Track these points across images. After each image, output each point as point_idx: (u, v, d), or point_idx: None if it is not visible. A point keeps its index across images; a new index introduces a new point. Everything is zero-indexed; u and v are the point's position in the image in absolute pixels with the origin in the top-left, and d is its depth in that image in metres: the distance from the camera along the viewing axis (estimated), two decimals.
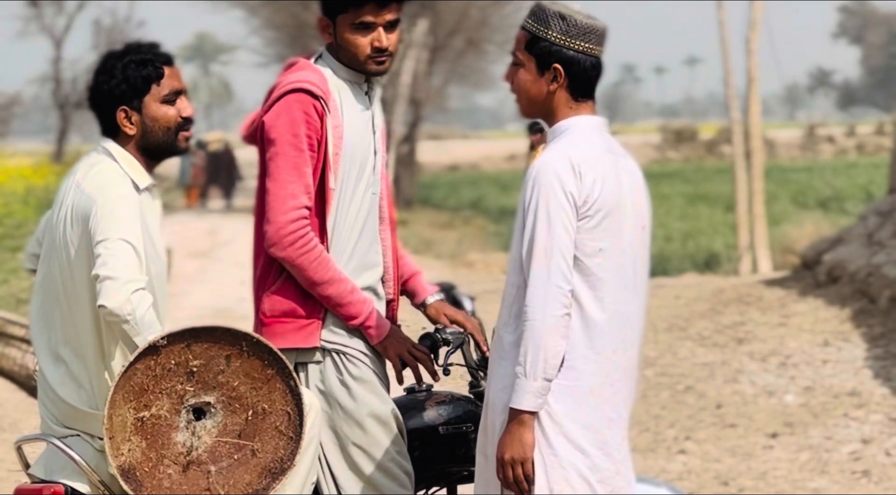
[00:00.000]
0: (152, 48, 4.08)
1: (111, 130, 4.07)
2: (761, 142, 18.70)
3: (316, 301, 4.10)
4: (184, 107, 4.09)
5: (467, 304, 4.52)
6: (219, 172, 36.07)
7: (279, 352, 3.71)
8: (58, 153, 44.00)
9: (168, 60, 4.08)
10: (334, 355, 4.14)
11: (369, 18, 4.11)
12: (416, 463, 4.23)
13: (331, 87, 4.14)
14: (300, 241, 4.05)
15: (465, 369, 4.39)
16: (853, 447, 7.91)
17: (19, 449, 4.12)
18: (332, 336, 4.14)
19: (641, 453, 7.92)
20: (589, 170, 3.67)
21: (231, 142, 37.79)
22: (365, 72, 4.19)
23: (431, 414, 4.32)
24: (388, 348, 4.18)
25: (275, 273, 4.13)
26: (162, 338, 3.61)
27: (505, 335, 3.75)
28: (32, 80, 52.62)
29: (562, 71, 3.75)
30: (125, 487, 3.61)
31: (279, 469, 3.72)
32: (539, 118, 3.88)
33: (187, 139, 4.15)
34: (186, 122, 4.10)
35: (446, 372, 4.23)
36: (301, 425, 3.72)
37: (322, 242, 4.11)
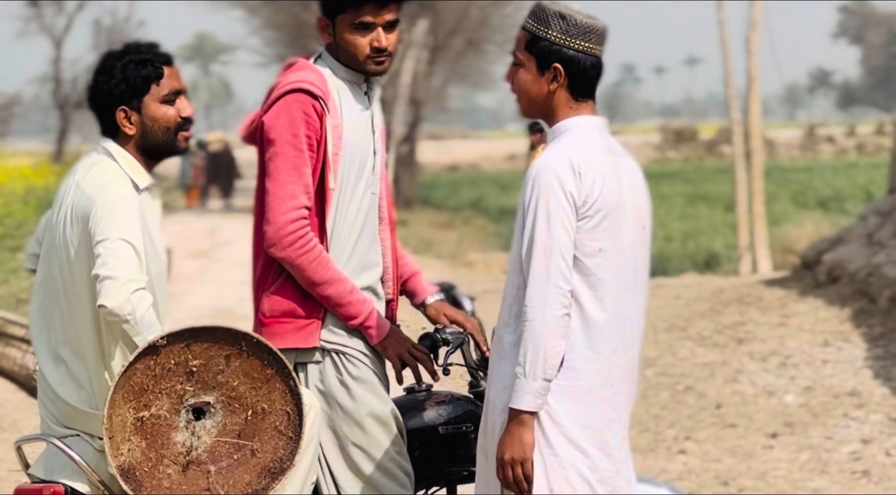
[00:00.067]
0: (152, 48, 4.08)
1: (111, 130, 4.07)
2: (761, 142, 18.69)
3: (315, 301, 4.10)
4: (183, 107, 4.09)
5: (467, 304, 4.52)
6: (218, 172, 36.08)
7: (279, 352, 3.71)
8: (58, 153, 44.00)
9: (168, 60, 4.08)
10: (334, 355, 4.14)
11: (368, 19, 4.11)
12: (416, 463, 4.23)
13: (330, 87, 4.14)
14: (300, 242, 4.05)
15: (464, 369, 4.39)
16: (853, 447, 7.91)
17: (19, 449, 4.12)
18: (332, 336, 4.14)
19: (641, 453, 7.92)
20: (589, 170, 3.67)
21: (230, 142, 37.80)
22: (364, 72, 4.19)
23: (431, 414, 4.32)
24: (388, 348, 4.18)
25: (274, 273, 4.13)
26: (162, 338, 3.61)
27: (505, 335, 3.75)
28: (32, 80, 52.66)
29: (562, 70, 3.75)
30: (125, 487, 3.61)
31: (279, 469, 3.72)
32: (539, 118, 3.88)
33: (187, 139, 4.15)
34: (186, 122, 4.10)
35: (446, 373, 4.23)
36: (301, 425, 3.72)
37: (321, 242, 4.11)
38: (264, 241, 4.09)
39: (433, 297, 4.42)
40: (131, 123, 4.04)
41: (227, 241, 23.11)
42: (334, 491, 4.13)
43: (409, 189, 32.62)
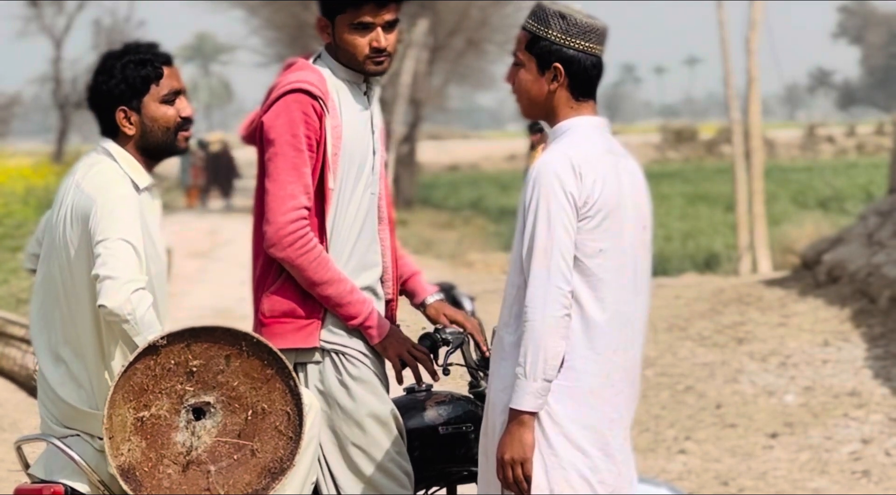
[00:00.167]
0: (151, 48, 4.08)
1: (111, 130, 4.07)
2: (761, 142, 18.69)
3: (315, 301, 4.10)
4: (183, 107, 4.09)
5: (467, 304, 4.52)
6: (218, 172, 36.09)
7: (279, 352, 3.71)
8: (58, 153, 44.01)
9: (167, 60, 4.08)
10: (333, 355, 4.14)
11: (368, 19, 4.11)
12: (416, 463, 4.23)
13: (329, 87, 4.14)
14: (300, 242, 4.05)
15: (464, 369, 4.39)
16: (853, 447, 7.91)
17: (19, 449, 4.12)
18: (332, 336, 4.14)
19: (641, 453, 7.92)
20: (589, 170, 3.66)
21: (229, 142, 37.80)
22: (363, 72, 4.19)
23: (431, 414, 4.32)
24: (388, 348, 4.18)
25: (274, 273, 4.13)
26: (162, 338, 3.61)
27: (505, 335, 3.75)
28: (32, 80, 52.67)
29: (562, 70, 3.75)
30: (125, 487, 3.61)
31: (279, 469, 3.72)
32: (540, 118, 3.88)
33: (187, 139, 4.15)
34: (186, 122, 4.10)
35: (446, 372, 4.23)
36: (301, 425, 3.72)
37: (321, 242, 4.11)
38: (264, 241, 4.09)
39: (433, 297, 4.42)
40: (131, 123, 4.04)
41: (227, 241, 23.11)
42: (334, 492, 4.13)
43: (409, 189, 32.63)
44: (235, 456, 3.70)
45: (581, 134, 3.75)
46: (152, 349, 3.61)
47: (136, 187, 4.00)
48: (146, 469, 3.62)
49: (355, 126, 4.19)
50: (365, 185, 4.21)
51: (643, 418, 8.71)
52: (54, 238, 4.02)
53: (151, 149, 4.08)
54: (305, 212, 4.07)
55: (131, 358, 3.60)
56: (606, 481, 3.71)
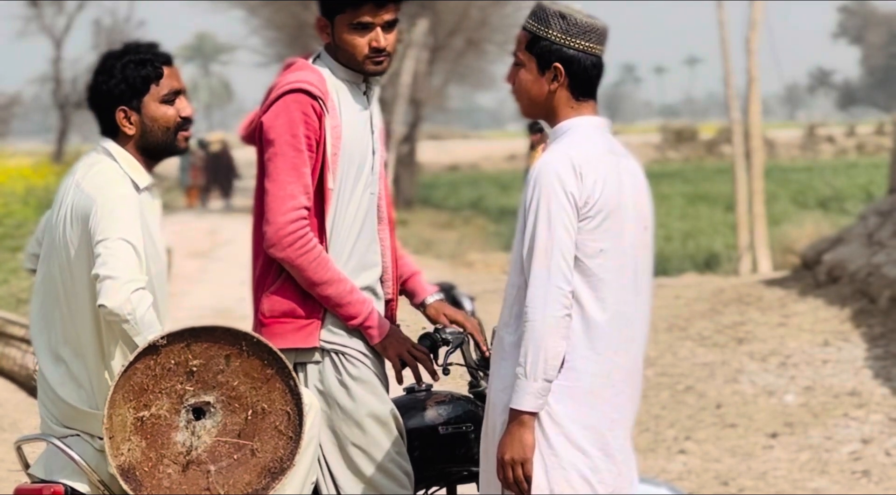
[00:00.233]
0: (151, 48, 4.08)
1: (110, 130, 4.07)
2: (761, 142, 18.70)
3: (315, 301, 4.10)
4: (183, 107, 4.09)
5: (467, 304, 4.52)
6: (218, 172, 36.09)
7: (279, 352, 3.71)
8: (58, 153, 44.01)
9: (167, 60, 4.08)
10: (333, 355, 4.14)
11: (367, 19, 4.11)
12: (416, 463, 4.23)
13: (329, 87, 4.14)
14: (299, 242, 4.05)
15: (464, 369, 4.39)
16: (853, 447, 7.91)
17: (19, 449, 4.12)
18: (332, 336, 4.14)
19: (641, 453, 7.92)
20: (590, 170, 3.66)
21: (229, 142, 37.80)
22: (363, 72, 4.19)
23: (431, 414, 4.32)
24: (388, 348, 4.18)
25: (274, 273, 4.13)
26: (162, 338, 3.61)
27: (506, 336, 3.75)
28: (32, 80, 52.69)
29: (562, 70, 3.75)
30: (125, 487, 3.61)
31: (279, 468, 3.72)
32: (540, 118, 3.88)
33: (187, 139, 4.15)
34: (186, 122, 4.10)
35: (446, 372, 4.22)
36: (301, 425, 3.72)
37: (321, 242, 4.11)
38: (264, 242, 4.09)
39: (433, 297, 4.42)
40: (131, 123, 4.04)
41: (227, 241, 23.11)
42: (334, 492, 4.13)
43: (409, 189, 32.62)
44: (235, 456, 3.70)
45: (582, 134, 3.75)
46: (152, 349, 3.61)
47: (136, 187, 4.00)
48: (146, 468, 3.62)
49: (355, 126, 4.19)
50: (364, 185, 4.21)
51: (643, 418, 8.71)
52: (54, 238, 4.02)
53: (151, 149, 4.08)
54: (305, 213, 4.07)
55: (131, 357, 3.60)
56: (607, 481, 3.71)
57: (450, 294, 4.54)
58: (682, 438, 8.39)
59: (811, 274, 12.29)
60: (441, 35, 33.08)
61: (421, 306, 4.43)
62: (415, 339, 4.25)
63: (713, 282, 14.45)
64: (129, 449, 3.61)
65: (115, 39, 41.84)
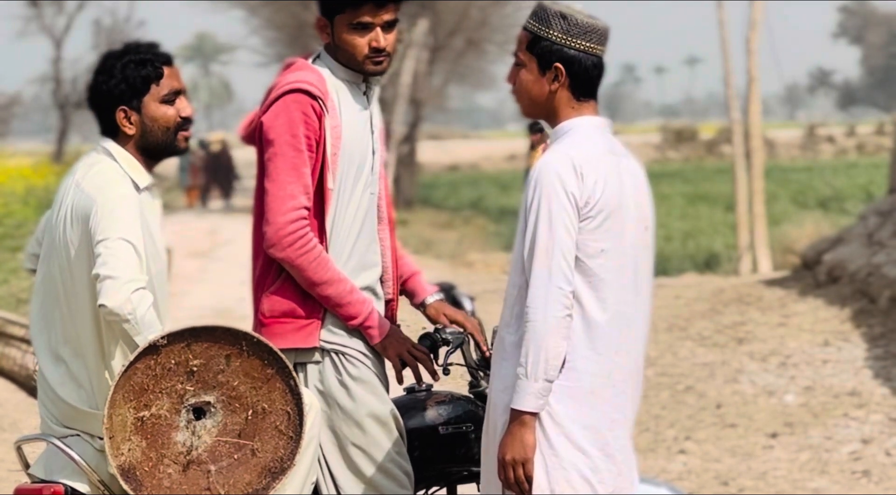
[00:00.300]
0: (151, 48, 4.08)
1: (111, 130, 4.07)
2: (761, 142, 18.70)
3: (315, 301, 4.10)
4: (183, 107, 4.10)
5: (467, 304, 4.52)
6: (217, 172, 36.09)
7: (279, 352, 3.71)
8: (58, 153, 44.01)
9: (167, 60, 4.08)
10: (333, 355, 4.14)
11: (367, 19, 4.11)
12: (416, 463, 4.23)
13: (329, 87, 4.14)
14: (299, 242, 4.05)
15: (465, 369, 4.39)
16: (853, 447, 7.91)
17: (19, 449, 4.12)
18: (332, 336, 4.14)
19: (641, 453, 7.92)
20: (591, 170, 3.66)
21: (228, 142, 37.80)
22: (363, 72, 4.19)
23: (431, 414, 4.32)
24: (388, 348, 4.18)
25: (274, 273, 4.13)
26: (162, 338, 3.61)
27: (506, 336, 3.75)
28: (32, 80, 52.68)
29: (563, 70, 3.75)
30: (125, 487, 3.61)
31: (279, 468, 3.72)
32: (541, 119, 3.88)
33: (187, 139, 4.15)
34: (186, 122, 4.10)
35: (446, 372, 4.22)
36: (301, 424, 3.72)
37: (321, 242, 4.11)
38: (264, 242, 4.09)
39: (433, 297, 4.42)
40: (131, 123, 4.04)
41: (227, 241, 23.11)
42: (334, 492, 4.13)
43: (409, 189, 32.62)
44: (236, 456, 3.70)
45: (583, 134, 3.75)
46: (153, 349, 3.61)
47: (137, 187, 4.00)
48: (146, 468, 3.62)
49: (355, 126, 4.19)
50: (364, 185, 4.21)
51: (643, 418, 8.71)
52: (54, 238, 4.02)
53: (151, 149, 4.08)
54: (305, 213, 4.07)
55: (132, 357, 3.60)
56: (607, 481, 3.71)
57: (450, 294, 4.54)
58: (682, 438, 8.39)
59: (811, 274, 12.29)
60: (441, 35, 33.08)
61: (421, 306, 4.43)
62: (415, 339, 4.25)
63: (713, 282, 14.45)
64: (129, 449, 3.61)
65: (115, 39, 41.84)
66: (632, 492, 3.81)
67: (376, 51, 4.14)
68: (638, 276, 3.77)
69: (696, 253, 21.39)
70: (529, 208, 3.65)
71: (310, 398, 3.99)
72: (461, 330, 4.32)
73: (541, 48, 3.76)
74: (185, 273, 17.43)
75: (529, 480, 3.65)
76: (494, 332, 3.92)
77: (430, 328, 4.34)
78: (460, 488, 4.51)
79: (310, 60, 4.23)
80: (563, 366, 3.64)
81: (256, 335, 3.71)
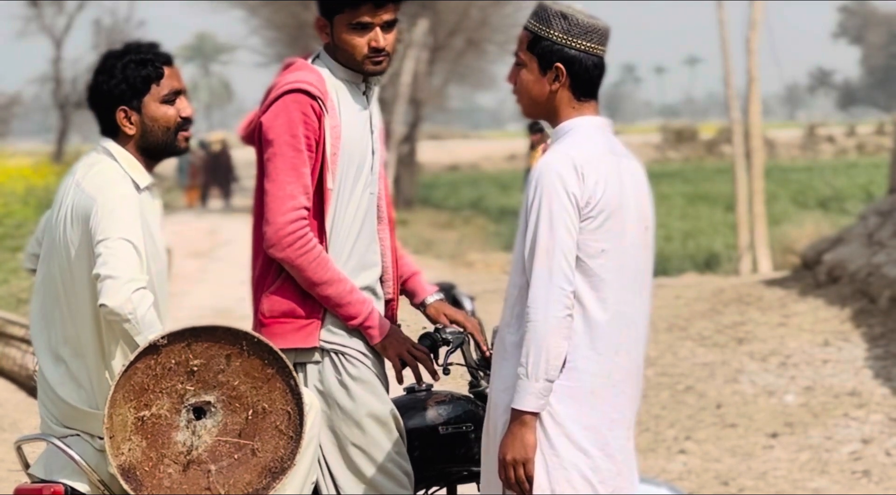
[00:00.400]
0: (152, 48, 4.08)
1: (111, 130, 4.07)
2: (761, 142, 18.69)
3: (315, 301, 4.10)
4: (183, 107, 4.10)
5: (467, 304, 4.52)
6: (217, 172, 36.09)
7: (279, 352, 3.71)
8: (58, 153, 43.99)
9: (168, 60, 4.09)
10: (333, 355, 4.14)
11: (366, 19, 4.11)
12: (416, 463, 4.23)
13: (328, 87, 4.14)
14: (299, 242, 4.05)
15: (465, 369, 4.39)
16: (853, 447, 7.91)
17: (19, 449, 4.12)
18: (331, 336, 4.14)
19: (641, 453, 7.92)
20: (591, 171, 3.67)
21: (229, 142, 37.79)
22: (362, 72, 4.19)
23: (431, 414, 4.32)
24: (388, 348, 4.18)
25: (273, 273, 4.13)
26: (162, 338, 3.61)
27: (507, 336, 3.75)
28: (32, 80, 52.62)
29: (563, 70, 3.75)
30: (125, 486, 3.61)
31: (279, 468, 3.72)
32: (542, 119, 3.88)
33: (187, 139, 4.15)
34: (186, 122, 4.10)
35: (446, 372, 4.22)
36: (301, 424, 3.72)
37: (321, 242, 4.11)
38: (264, 242, 4.09)
39: (433, 297, 4.42)
40: (131, 123, 4.05)
41: (227, 241, 23.11)
42: (334, 492, 4.13)
43: (409, 189, 32.62)
44: (236, 456, 3.70)
45: (583, 134, 3.75)
46: (153, 348, 3.61)
47: (137, 186, 4.00)
48: (147, 468, 3.63)
49: (354, 126, 4.19)
50: (364, 185, 4.21)
51: (643, 418, 8.71)
52: (54, 238, 4.02)
53: (151, 149, 4.08)
54: (305, 213, 4.07)
55: (132, 357, 3.60)
56: (607, 481, 3.71)
57: (450, 294, 4.54)
58: (682, 438, 8.39)
59: (811, 274, 12.29)
60: (441, 35, 33.08)
61: (421, 306, 4.43)
62: (415, 339, 4.25)
63: (713, 282, 14.45)
64: (129, 449, 3.61)
65: (115, 39, 41.84)
66: (632, 492, 3.81)
67: (375, 51, 4.14)
68: (638, 276, 3.77)
69: (696, 253, 21.39)
70: (530, 208, 3.65)
71: (310, 398, 3.99)
72: (461, 330, 4.32)
73: (541, 48, 3.77)
74: (185, 273, 17.43)
75: (530, 480, 3.65)
76: (495, 332, 3.92)
77: (430, 328, 4.34)
78: (460, 488, 4.51)
79: (309, 60, 4.23)
80: (563, 366, 3.64)
81: (257, 335, 3.71)
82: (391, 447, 4.15)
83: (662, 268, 18.58)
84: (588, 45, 3.75)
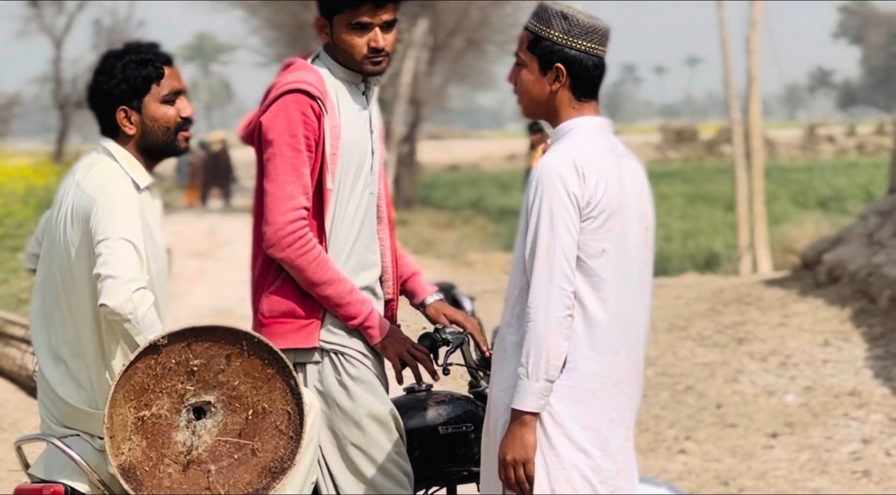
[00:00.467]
0: (152, 48, 4.08)
1: (111, 130, 4.07)
2: (761, 142, 18.68)
3: (315, 301, 4.10)
4: (183, 107, 4.10)
5: (467, 304, 4.52)
6: (217, 172, 36.08)
7: (279, 352, 3.71)
8: (58, 153, 43.98)
9: (168, 60, 4.09)
10: (332, 355, 4.14)
11: (365, 19, 4.11)
12: (416, 463, 4.23)
13: (328, 87, 4.14)
14: (299, 242, 4.05)
15: (464, 369, 4.39)
16: (853, 447, 7.91)
17: (19, 449, 4.12)
18: (331, 336, 4.14)
19: (641, 453, 7.92)
20: (592, 171, 3.67)
21: (229, 142, 37.78)
22: (362, 72, 4.19)
23: (431, 414, 4.32)
24: (388, 348, 4.18)
25: (273, 273, 4.13)
26: (162, 338, 3.61)
27: (508, 336, 3.75)
28: (32, 80, 52.63)
29: (564, 70, 3.76)
30: (125, 486, 3.61)
31: (279, 468, 3.72)
32: (542, 119, 3.88)
33: (187, 139, 4.15)
34: (186, 122, 4.10)
35: (446, 372, 4.22)
36: (301, 424, 3.72)
37: (320, 243, 4.11)
38: (263, 242, 4.09)
39: (433, 297, 4.42)
40: (131, 123, 4.05)
41: (227, 241, 23.11)
42: (333, 492, 4.13)
43: (409, 189, 32.61)
44: (236, 456, 3.70)
45: (584, 134, 3.75)
46: (153, 348, 3.61)
47: (137, 186, 4.01)
48: (147, 468, 3.63)
49: (354, 126, 4.19)
50: (364, 185, 4.21)
51: (643, 418, 8.71)
52: (54, 238, 4.02)
53: (151, 149, 4.08)
54: (304, 213, 4.07)
55: (132, 357, 3.60)
56: (607, 481, 3.71)
57: (450, 294, 4.54)
58: (682, 438, 8.39)
59: (811, 274, 12.29)
60: (441, 35, 33.08)
61: (421, 306, 4.43)
62: (415, 339, 4.25)
63: (713, 282, 14.44)
64: (129, 449, 3.61)
65: (115, 39, 41.84)
66: (632, 492, 3.81)
67: (375, 51, 4.14)
68: (638, 276, 3.77)
69: (696, 253, 21.37)
70: (531, 208, 3.66)
71: (310, 398, 3.99)
72: (461, 330, 4.32)
73: (542, 48, 3.77)
74: (185, 273, 17.43)
75: (530, 480, 3.65)
76: (495, 332, 3.92)
77: (430, 328, 4.34)
78: (460, 488, 4.51)
79: (309, 60, 4.23)
80: (564, 367, 3.64)
81: (257, 335, 3.72)
82: (391, 447, 4.15)
83: (662, 268, 18.57)
84: (588, 45, 3.76)
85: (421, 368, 4.23)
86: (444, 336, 4.27)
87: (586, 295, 3.67)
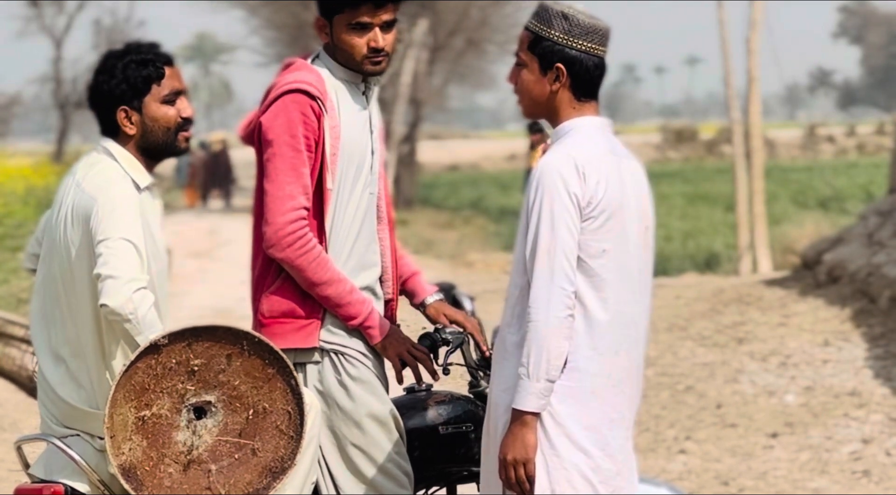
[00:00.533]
0: (153, 48, 4.08)
1: (111, 130, 4.07)
2: (761, 142, 18.67)
3: (315, 301, 4.10)
4: (184, 107, 4.10)
5: (467, 304, 4.52)
6: (216, 172, 36.08)
7: (280, 352, 3.72)
8: (58, 153, 43.97)
9: (168, 60, 4.09)
10: (332, 355, 4.14)
11: (365, 19, 4.11)
12: (416, 463, 4.23)
13: (328, 87, 4.14)
14: (299, 242, 4.05)
15: (464, 369, 4.40)
16: (853, 447, 7.91)
17: (19, 449, 4.12)
18: (331, 336, 4.14)
19: (641, 453, 7.92)
20: (593, 171, 3.67)
21: (229, 142, 37.77)
22: (361, 72, 4.19)
23: (431, 414, 4.32)
24: (388, 348, 4.18)
25: (273, 273, 4.13)
26: (163, 337, 3.61)
27: (508, 336, 3.75)
28: (32, 80, 52.61)
29: (564, 70, 3.76)
30: (126, 486, 3.61)
31: (280, 468, 3.72)
32: (542, 119, 3.88)
33: (187, 139, 4.15)
34: (186, 123, 4.10)
35: (446, 372, 4.23)
36: (302, 424, 3.72)
37: (320, 243, 4.11)
38: (263, 242, 4.09)
39: (433, 297, 4.42)
40: (132, 123, 4.05)
41: (227, 241, 23.11)
42: (333, 492, 4.13)
43: (409, 189, 32.61)
44: (236, 456, 3.70)
45: (584, 134, 3.75)
46: (154, 348, 3.61)
47: (137, 186, 4.01)
48: (147, 468, 3.63)
49: (354, 126, 4.19)
50: (364, 185, 4.21)
51: (643, 418, 8.71)
52: (55, 238, 4.02)
53: (152, 149, 4.08)
54: (304, 213, 4.07)
55: (133, 357, 3.60)
56: (608, 481, 3.71)
57: (450, 294, 4.54)
58: (682, 438, 8.39)
59: (811, 274, 12.28)
60: (441, 35, 33.08)
61: (421, 306, 4.43)
62: (415, 339, 4.25)
63: (713, 282, 14.44)
64: (130, 449, 3.61)
65: (115, 39, 41.85)
66: (632, 492, 3.81)
67: (375, 51, 4.14)
68: (639, 276, 3.78)
69: (696, 253, 21.37)
70: (531, 208, 3.66)
71: (310, 398, 3.99)
72: (461, 330, 4.32)
73: (542, 48, 3.77)
74: (185, 273, 17.43)
75: (531, 480, 3.65)
76: (495, 332, 3.92)
77: (430, 328, 4.35)
78: (460, 488, 4.51)
79: (309, 60, 4.23)
80: (564, 367, 3.64)
81: (257, 334, 3.72)
82: (391, 447, 4.15)
83: (662, 268, 18.57)
84: (589, 45, 3.76)
85: (421, 368, 4.23)
86: (444, 336, 4.27)
87: (587, 295, 3.67)
